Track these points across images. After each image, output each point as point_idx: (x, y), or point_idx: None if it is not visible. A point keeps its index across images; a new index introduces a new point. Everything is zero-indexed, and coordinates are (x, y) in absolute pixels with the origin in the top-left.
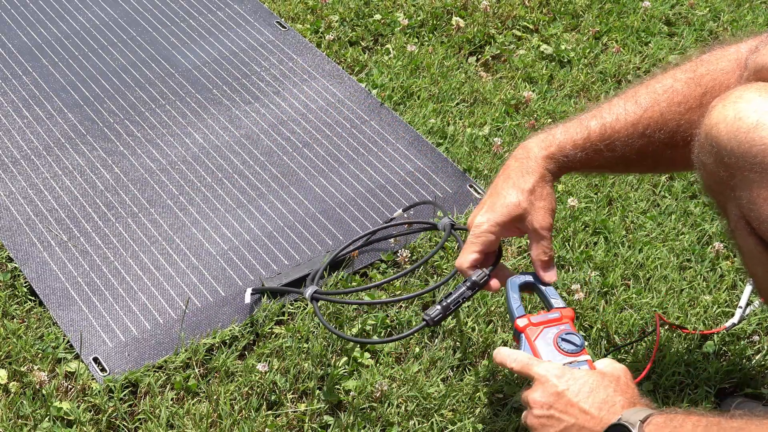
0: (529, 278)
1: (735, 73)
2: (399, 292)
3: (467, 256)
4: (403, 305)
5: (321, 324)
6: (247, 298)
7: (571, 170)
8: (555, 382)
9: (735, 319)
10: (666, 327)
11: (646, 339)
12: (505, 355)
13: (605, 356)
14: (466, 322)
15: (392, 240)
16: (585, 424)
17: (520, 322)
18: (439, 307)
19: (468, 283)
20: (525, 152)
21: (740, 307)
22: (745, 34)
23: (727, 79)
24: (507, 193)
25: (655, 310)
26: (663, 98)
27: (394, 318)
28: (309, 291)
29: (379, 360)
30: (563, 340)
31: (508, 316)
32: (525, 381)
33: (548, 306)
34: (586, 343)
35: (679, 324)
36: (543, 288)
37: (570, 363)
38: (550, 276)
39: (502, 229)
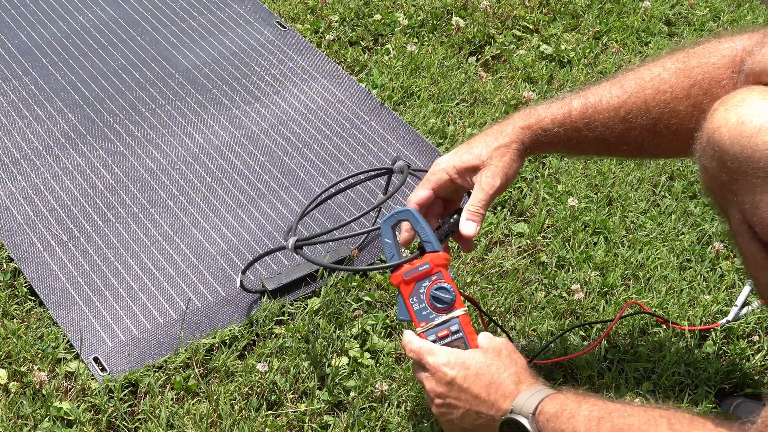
0: (403, 215)
1: (728, 69)
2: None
3: (419, 191)
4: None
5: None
6: (239, 282)
7: (551, 147)
8: (445, 371)
9: (730, 317)
10: (665, 326)
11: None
12: (404, 342)
13: (604, 355)
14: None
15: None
16: (479, 409)
17: (394, 279)
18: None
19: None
20: (506, 120)
21: (736, 306)
22: (741, 28)
23: (719, 74)
24: (474, 146)
25: (655, 309)
26: (649, 85)
27: (394, 318)
28: (290, 242)
29: (379, 360)
30: (434, 298)
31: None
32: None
33: (421, 250)
34: (457, 292)
35: (661, 316)
36: (418, 228)
37: (444, 321)
38: (468, 227)
39: (457, 173)
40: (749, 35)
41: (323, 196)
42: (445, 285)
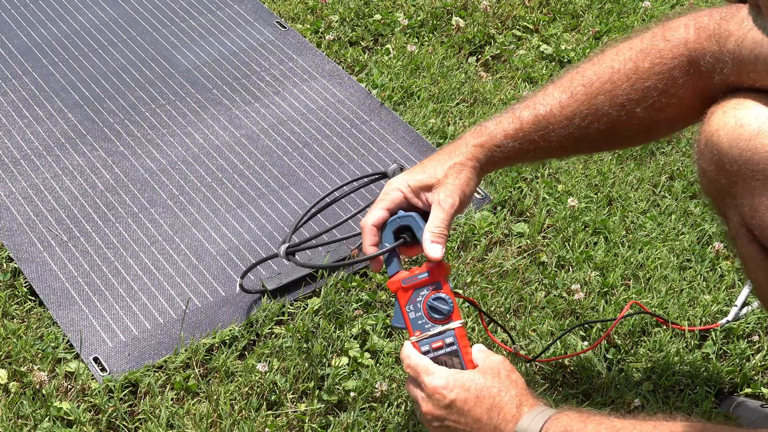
0: (406, 220)
1: (683, 68)
2: None
3: (374, 212)
4: None
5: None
6: (238, 288)
7: (508, 161)
8: (444, 393)
9: (730, 317)
10: (664, 326)
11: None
12: (402, 355)
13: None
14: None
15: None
16: None
17: (391, 285)
18: None
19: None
20: (458, 140)
21: (736, 306)
22: (685, 11)
23: (674, 74)
24: (428, 165)
25: (657, 309)
26: (601, 91)
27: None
28: (282, 250)
29: (379, 360)
30: (431, 308)
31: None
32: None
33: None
34: (457, 302)
35: (661, 315)
36: (420, 234)
37: (440, 333)
38: (433, 251)
39: (411, 192)
40: (695, 18)
41: (319, 205)
42: (442, 295)
